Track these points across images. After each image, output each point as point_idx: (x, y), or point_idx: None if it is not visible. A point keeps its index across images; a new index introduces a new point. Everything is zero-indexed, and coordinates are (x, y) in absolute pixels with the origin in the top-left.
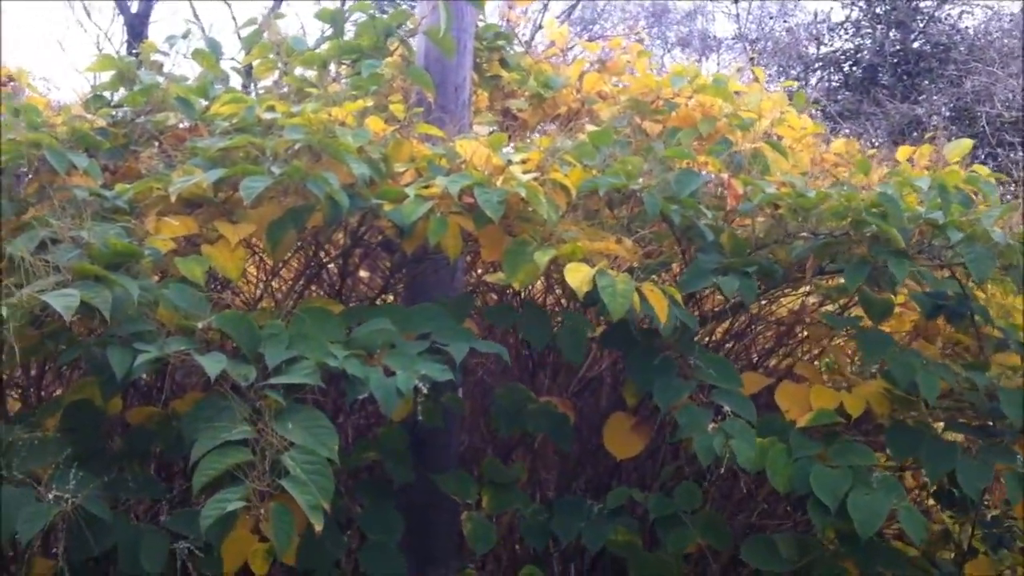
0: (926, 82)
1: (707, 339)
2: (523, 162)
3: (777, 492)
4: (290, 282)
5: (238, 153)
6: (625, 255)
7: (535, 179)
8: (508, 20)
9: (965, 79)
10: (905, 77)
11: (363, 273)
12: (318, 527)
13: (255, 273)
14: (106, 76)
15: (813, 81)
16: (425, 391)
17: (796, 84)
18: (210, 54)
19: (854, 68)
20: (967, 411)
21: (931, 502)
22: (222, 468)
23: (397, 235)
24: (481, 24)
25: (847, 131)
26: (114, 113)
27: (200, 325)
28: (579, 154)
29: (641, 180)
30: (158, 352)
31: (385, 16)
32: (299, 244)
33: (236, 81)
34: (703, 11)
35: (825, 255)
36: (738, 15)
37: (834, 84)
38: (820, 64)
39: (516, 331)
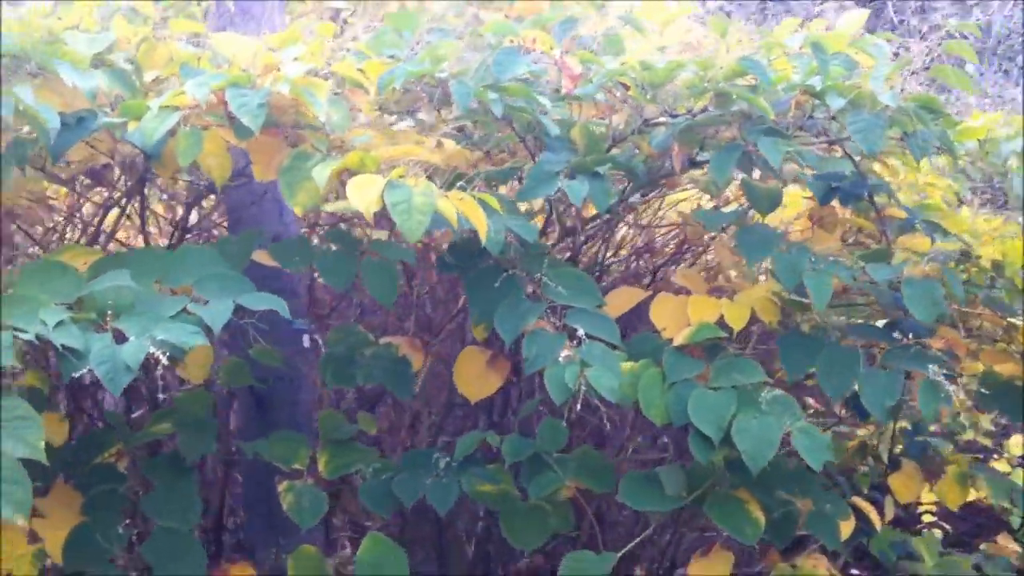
0: None
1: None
2: (301, 58)
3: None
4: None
5: None
6: (437, 160)
7: (317, 75)
8: None
9: None
10: None
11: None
12: None
13: None
14: None
15: None
16: (166, 361)
17: None
18: None
19: None
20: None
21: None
22: None
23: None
24: None
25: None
26: None
27: None
28: (377, 45)
29: (446, 65)
30: None
31: None
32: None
33: None
34: None
35: (692, 142)
36: None
37: None
38: None
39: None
